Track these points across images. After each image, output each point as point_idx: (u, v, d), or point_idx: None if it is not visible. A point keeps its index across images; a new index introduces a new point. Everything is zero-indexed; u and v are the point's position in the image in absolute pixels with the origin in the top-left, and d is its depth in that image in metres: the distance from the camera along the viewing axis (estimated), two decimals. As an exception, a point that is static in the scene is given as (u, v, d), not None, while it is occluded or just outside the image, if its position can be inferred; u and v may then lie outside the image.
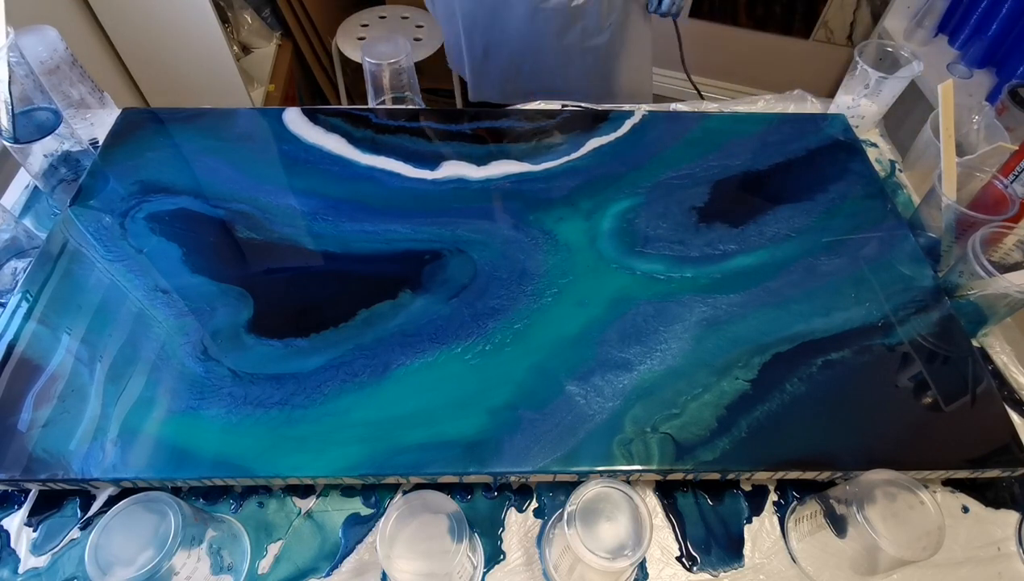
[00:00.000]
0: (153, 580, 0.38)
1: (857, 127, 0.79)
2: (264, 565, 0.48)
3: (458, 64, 1.10)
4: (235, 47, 1.50)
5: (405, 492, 0.51)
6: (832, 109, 0.82)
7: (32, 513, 0.50)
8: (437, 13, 1.10)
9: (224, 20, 1.45)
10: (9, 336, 0.55)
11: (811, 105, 0.85)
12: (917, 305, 0.60)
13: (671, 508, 0.52)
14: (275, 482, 0.50)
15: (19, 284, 0.59)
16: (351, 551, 0.49)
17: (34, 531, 0.49)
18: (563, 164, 0.72)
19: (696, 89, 0.92)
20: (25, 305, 0.57)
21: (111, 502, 0.51)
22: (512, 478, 0.51)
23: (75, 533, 0.49)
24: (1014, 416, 0.55)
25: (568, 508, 0.40)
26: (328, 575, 0.48)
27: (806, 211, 0.68)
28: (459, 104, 1.71)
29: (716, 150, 0.74)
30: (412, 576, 0.40)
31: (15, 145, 0.62)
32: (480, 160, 0.72)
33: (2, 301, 0.59)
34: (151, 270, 0.60)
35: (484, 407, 0.52)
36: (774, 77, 1.89)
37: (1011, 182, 0.61)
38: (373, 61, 0.75)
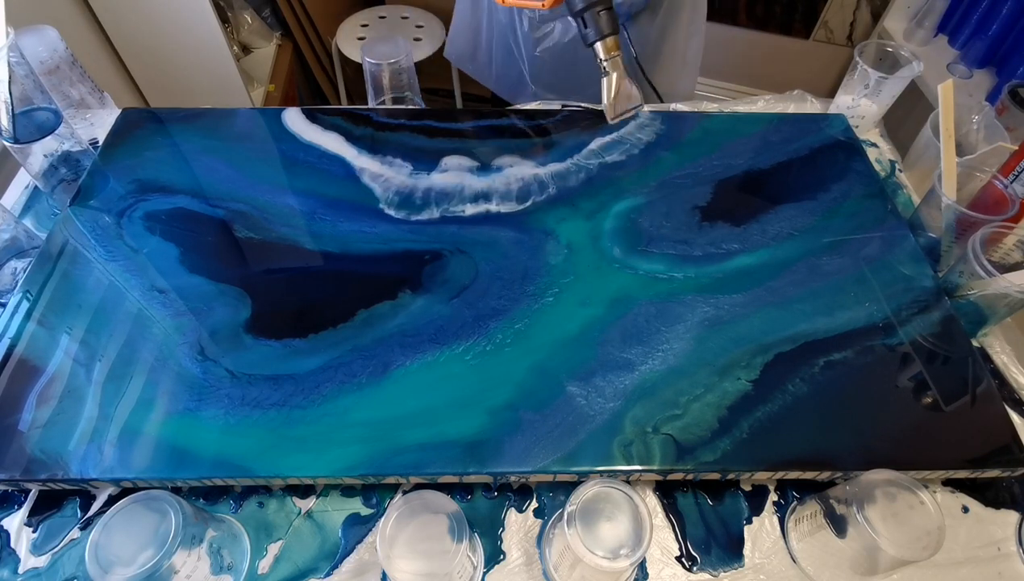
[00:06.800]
0: (153, 579, 0.38)
1: (857, 127, 0.79)
2: (264, 565, 0.48)
3: (462, 58, 1.09)
4: (235, 47, 1.50)
5: (405, 492, 0.51)
6: (832, 109, 0.82)
7: (32, 513, 0.50)
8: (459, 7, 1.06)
9: (224, 20, 1.45)
10: (9, 336, 0.55)
11: (811, 105, 0.85)
12: (917, 305, 0.60)
13: (671, 508, 0.52)
14: (275, 482, 0.50)
15: (19, 284, 0.59)
16: (351, 551, 0.49)
17: (34, 531, 0.49)
18: (564, 164, 0.72)
19: (657, 95, 0.90)
20: (25, 305, 0.57)
21: (111, 502, 0.51)
22: (512, 478, 0.51)
23: (75, 533, 0.49)
24: (1014, 416, 0.55)
25: (568, 508, 0.40)
26: (328, 575, 0.48)
27: (807, 211, 0.68)
28: (459, 104, 1.71)
29: (717, 150, 0.74)
30: (412, 576, 0.40)
31: (15, 145, 0.62)
32: (481, 160, 0.72)
33: (2, 301, 0.59)
34: (150, 270, 0.60)
35: (484, 407, 0.52)
36: (774, 77, 1.88)
37: (1011, 182, 0.61)
38: (373, 61, 0.75)
